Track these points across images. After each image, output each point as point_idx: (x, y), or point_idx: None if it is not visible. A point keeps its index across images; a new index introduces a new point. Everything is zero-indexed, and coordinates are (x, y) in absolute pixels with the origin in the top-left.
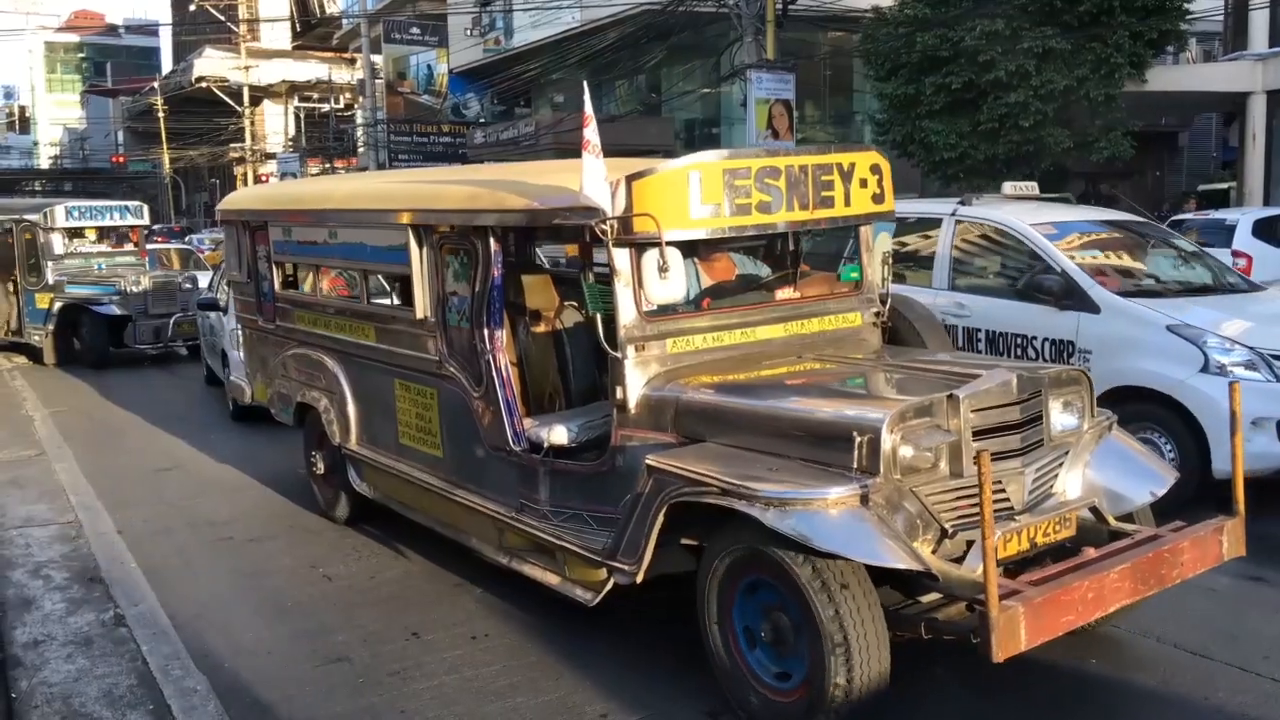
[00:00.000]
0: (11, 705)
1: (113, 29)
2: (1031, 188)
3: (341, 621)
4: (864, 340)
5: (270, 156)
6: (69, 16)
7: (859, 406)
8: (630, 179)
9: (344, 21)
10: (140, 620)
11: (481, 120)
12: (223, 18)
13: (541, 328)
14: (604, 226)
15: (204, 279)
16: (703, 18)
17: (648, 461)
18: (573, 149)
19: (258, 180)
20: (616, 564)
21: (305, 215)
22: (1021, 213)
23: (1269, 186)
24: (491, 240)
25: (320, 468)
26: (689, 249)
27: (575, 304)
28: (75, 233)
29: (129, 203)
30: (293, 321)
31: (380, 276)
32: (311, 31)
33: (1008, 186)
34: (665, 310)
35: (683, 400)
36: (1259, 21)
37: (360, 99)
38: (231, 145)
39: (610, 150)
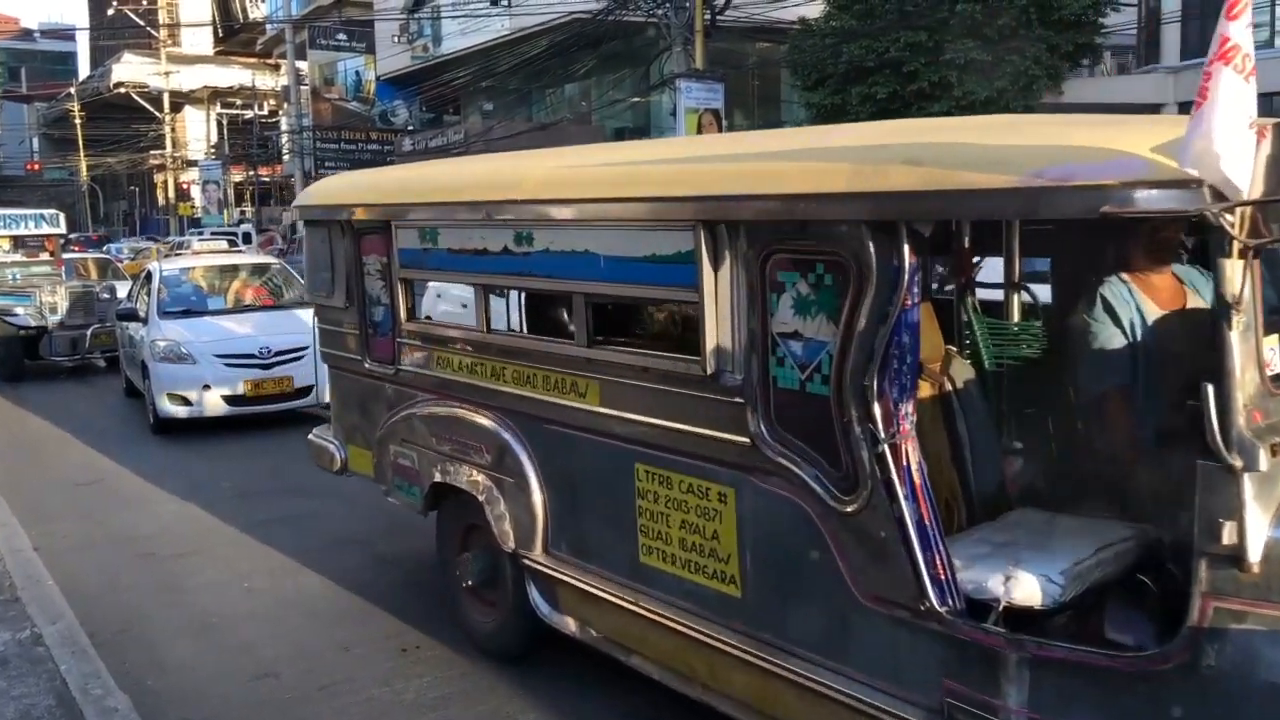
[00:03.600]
0: None
1: (28, 33)
2: None
3: (269, 636)
4: None
5: (192, 164)
6: None
7: None
8: None
9: (268, 27)
10: (58, 639)
11: (410, 127)
12: (142, 22)
13: (926, 390)
14: (1232, 218)
15: (123, 289)
16: (632, 27)
17: None
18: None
19: (179, 189)
20: None
21: (468, 211)
22: None
23: None
24: (899, 246)
25: (470, 578)
26: None
27: (960, 348)
28: None
29: (44, 211)
30: (430, 366)
31: (612, 304)
32: (234, 37)
33: None
34: None
35: None
36: (1171, 36)
37: (285, 105)
38: (151, 152)
39: None
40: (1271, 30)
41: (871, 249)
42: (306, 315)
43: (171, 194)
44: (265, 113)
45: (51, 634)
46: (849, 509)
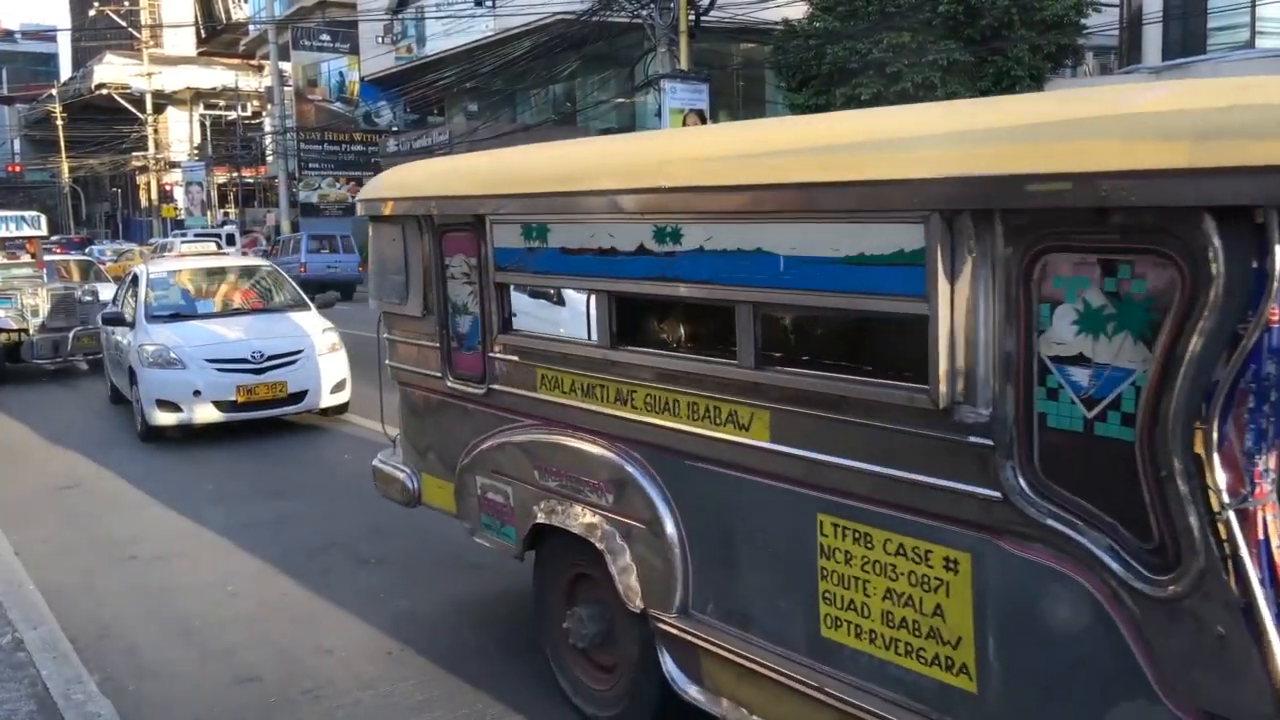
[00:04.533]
0: None
1: (8, 34)
2: None
3: (252, 640)
4: None
5: (175, 165)
6: None
7: None
8: None
9: (251, 28)
10: (40, 644)
11: (394, 128)
12: (124, 23)
13: None
14: None
15: (106, 291)
16: (616, 28)
17: None
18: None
19: (162, 191)
20: None
21: (591, 202)
22: None
23: None
24: (1266, 242)
25: (581, 639)
26: None
27: None
28: None
29: (25, 213)
30: (533, 385)
31: (790, 316)
32: (217, 38)
33: None
34: None
35: None
36: (1152, 36)
37: (269, 106)
38: (134, 154)
39: None
40: (1252, 31)
41: (1218, 245)
42: (301, 319)
43: (154, 196)
44: (248, 114)
45: (33, 639)
46: (1165, 592)
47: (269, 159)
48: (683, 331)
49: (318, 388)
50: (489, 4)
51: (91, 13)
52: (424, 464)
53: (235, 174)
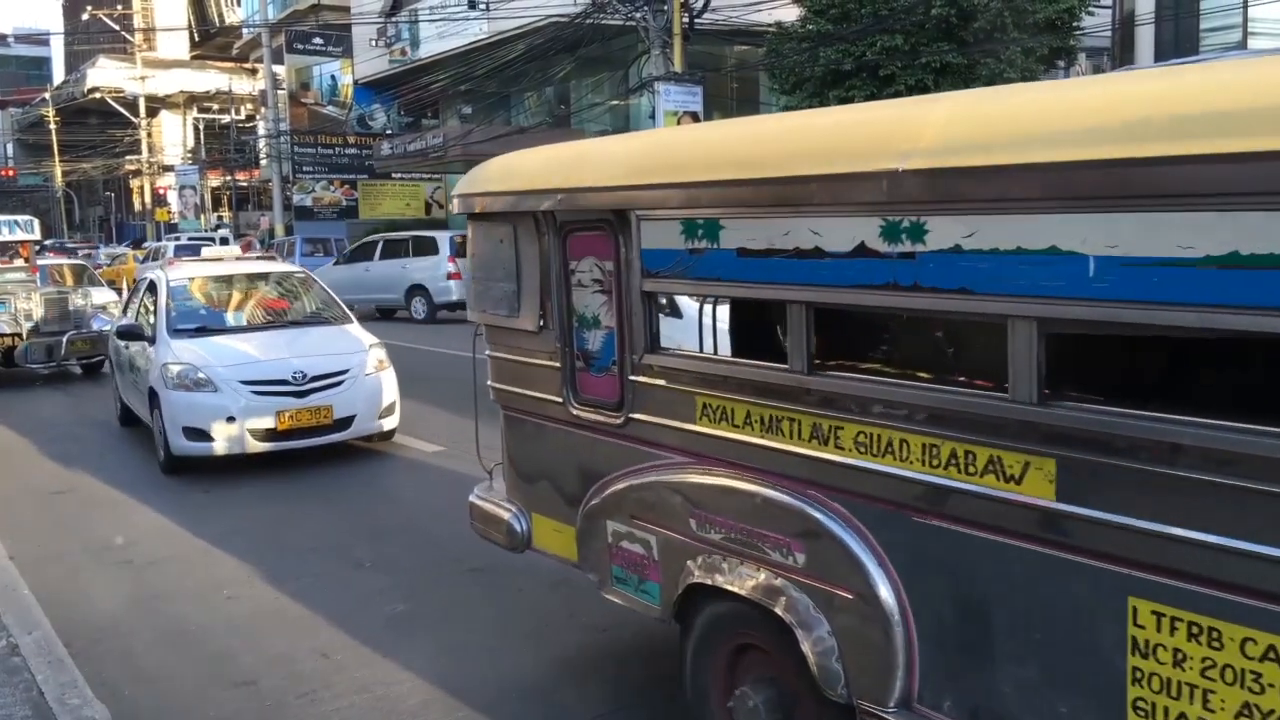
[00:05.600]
0: None
1: (1, 38)
2: None
3: (247, 644)
4: None
5: (168, 169)
6: None
7: None
8: None
9: (244, 31)
10: (35, 649)
11: (388, 131)
12: (117, 26)
13: None
14: None
15: (99, 295)
16: (610, 30)
17: None
18: (483, 159)
19: (156, 194)
20: None
21: (788, 191)
22: None
23: None
24: None
25: None
26: None
27: None
28: None
29: (18, 217)
30: (689, 416)
31: (1089, 336)
32: (210, 41)
33: None
34: None
35: None
36: (1145, 37)
37: (262, 110)
38: (127, 157)
39: None
40: (1244, 32)
41: None
42: (343, 332)
43: (148, 199)
44: (242, 117)
45: (28, 644)
46: None
47: (263, 162)
48: (914, 354)
49: (366, 412)
50: (483, 6)
51: (84, 16)
52: (535, 502)
53: (229, 178)
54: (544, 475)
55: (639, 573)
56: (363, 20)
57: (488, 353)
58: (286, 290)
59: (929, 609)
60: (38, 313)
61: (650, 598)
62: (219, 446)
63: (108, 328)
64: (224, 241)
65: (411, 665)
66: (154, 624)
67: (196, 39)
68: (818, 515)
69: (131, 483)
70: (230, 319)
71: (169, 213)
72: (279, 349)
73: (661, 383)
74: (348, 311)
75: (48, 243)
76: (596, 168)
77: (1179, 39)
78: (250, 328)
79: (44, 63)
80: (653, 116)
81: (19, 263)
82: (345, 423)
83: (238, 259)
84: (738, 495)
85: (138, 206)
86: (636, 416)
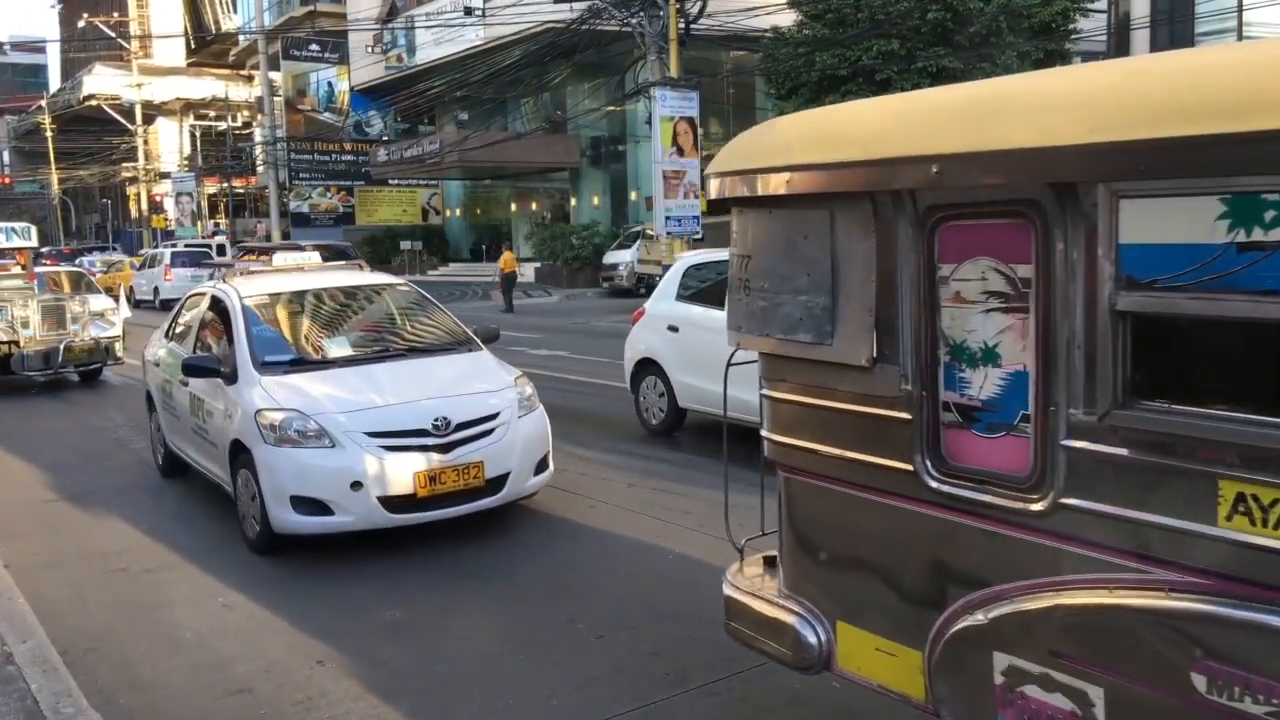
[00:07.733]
0: None
1: None
2: None
3: (243, 652)
4: None
5: (165, 176)
6: None
7: None
8: None
9: (240, 38)
10: (29, 657)
11: (385, 138)
12: (113, 34)
13: None
14: None
15: (96, 302)
16: (606, 36)
17: None
18: (479, 165)
19: (152, 201)
20: None
21: None
22: None
23: None
24: None
25: None
26: None
27: None
28: None
29: (15, 224)
30: (1198, 513)
31: None
32: (207, 48)
33: None
34: None
35: None
36: (1140, 41)
37: (259, 116)
38: (124, 165)
39: (520, 169)
40: (1239, 36)
41: None
42: (478, 363)
43: (144, 206)
44: (238, 124)
45: (22, 652)
46: None
47: (259, 169)
48: None
49: (522, 468)
50: (479, 13)
51: (80, 24)
52: (842, 606)
53: (225, 184)
54: (862, 569)
55: None
56: (359, 27)
57: (763, 391)
58: (393, 309)
59: None
60: (35, 320)
61: None
62: (341, 521)
63: (105, 334)
64: (220, 249)
65: (407, 674)
66: (149, 632)
67: (193, 46)
68: None
69: (128, 491)
70: (331, 348)
71: (165, 220)
72: (407, 388)
73: (1143, 456)
74: (470, 333)
75: (43, 250)
76: (1003, 119)
77: (1174, 42)
78: (359, 359)
79: (40, 70)
80: (649, 122)
81: (15, 270)
82: (498, 483)
83: (320, 268)
84: None
85: (134, 213)
86: (1074, 503)
